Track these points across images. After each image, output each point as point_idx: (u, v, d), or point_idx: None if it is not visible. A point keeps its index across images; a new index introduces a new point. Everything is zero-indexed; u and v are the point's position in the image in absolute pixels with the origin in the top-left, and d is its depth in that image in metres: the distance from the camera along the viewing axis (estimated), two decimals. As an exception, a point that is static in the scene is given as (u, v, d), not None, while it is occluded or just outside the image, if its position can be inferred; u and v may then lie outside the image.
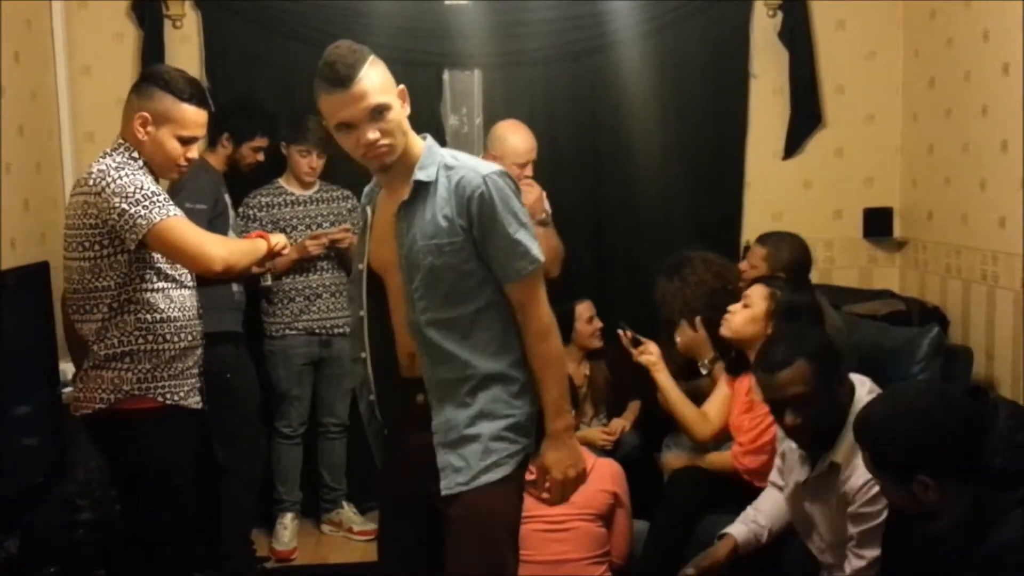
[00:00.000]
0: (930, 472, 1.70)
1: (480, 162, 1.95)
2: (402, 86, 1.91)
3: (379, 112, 1.83)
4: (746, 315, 2.70)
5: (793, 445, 2.30)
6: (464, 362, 1.88)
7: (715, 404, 2.82)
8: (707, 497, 2.68)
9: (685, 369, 3.11)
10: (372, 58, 1.85)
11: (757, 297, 2.70)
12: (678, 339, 3.04)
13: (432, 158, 1.91)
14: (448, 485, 1.86)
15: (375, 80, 1.82)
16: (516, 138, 3.24)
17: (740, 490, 2.63)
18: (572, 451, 1.94)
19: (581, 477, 1.96)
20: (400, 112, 1.88)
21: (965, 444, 1.73)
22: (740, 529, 2.46)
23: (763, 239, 3.26)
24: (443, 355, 1.88)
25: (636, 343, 2.95)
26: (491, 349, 1.90)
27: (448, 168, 1.89)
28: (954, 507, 1.68)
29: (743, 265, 3.24)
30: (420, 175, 1.88)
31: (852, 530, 2.11)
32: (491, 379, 1.89)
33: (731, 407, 2.79)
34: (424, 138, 1.96)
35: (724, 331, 2.74)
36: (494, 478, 1.87)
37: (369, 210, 2.00)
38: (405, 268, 1.88)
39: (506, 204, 1.86)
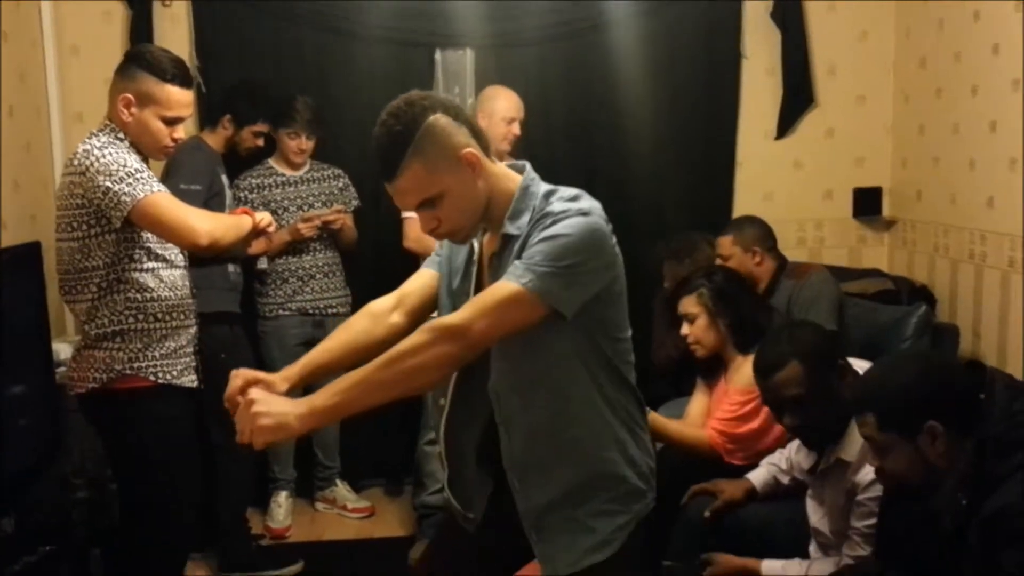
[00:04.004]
0: (938, 416, 1.71)
1: (576, 204, 1.61)
2: (468, 150, 1.58)
3: (429, 204, 1.59)
4: (698, 327, 2.71)
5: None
6: (555, 434, 1.64)
7: (700, 411, 2.79)
8: (690, 480, 2.69)
9: (686, 356, 3.11)
10: (419, 136, 1.54)
11: (690, 307, 2.72)
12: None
13: (526, 202, 1.63)
14: (553, 570, 1.66)
15: (419, 172, 1.55)
16: (502, 96, 3.35)
17: (723, 472, 2.64)
18: (286, 424, 1.50)
19: (260, 438, 1.51)
20: (462, 188, 1.59)
21: (965, 389, 1.74)
22: (759, 473, 2.45)
23: (724, 230, 3.32)
24: (520, 424, 1.65)
25: None
26: (595, 409, 1.65)
27: (540, 215, 1.60)
28: (956, 466, 1.69)
29: (718, 262, 3.26)
30: (510, 227, 1.62)
31: (857, 523, 2.11)
32: (581, 447, 1.65)
33: (711, 408, 2.77)
34: (523, 168, 1.69)
35: (700, 353, 2.74)
36: (601, 559, 1.65)
37: (476, 244, 1.72)
38: None
39: (554, 239, 1.54)
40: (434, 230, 1.63)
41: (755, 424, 2.59)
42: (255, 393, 1.54)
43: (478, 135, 1.63)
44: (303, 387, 1.71)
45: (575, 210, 1.58)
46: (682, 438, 2.65)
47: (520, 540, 1.71)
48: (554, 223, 1.56)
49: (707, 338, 2.72)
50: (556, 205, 1.60)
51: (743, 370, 2.63)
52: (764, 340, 2.33)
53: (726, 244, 3.25)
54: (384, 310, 1.79)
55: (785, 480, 2.45)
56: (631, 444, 1.70)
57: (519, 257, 1.58)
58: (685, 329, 2.74)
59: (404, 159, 1.55)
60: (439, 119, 1.57)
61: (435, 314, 1.83)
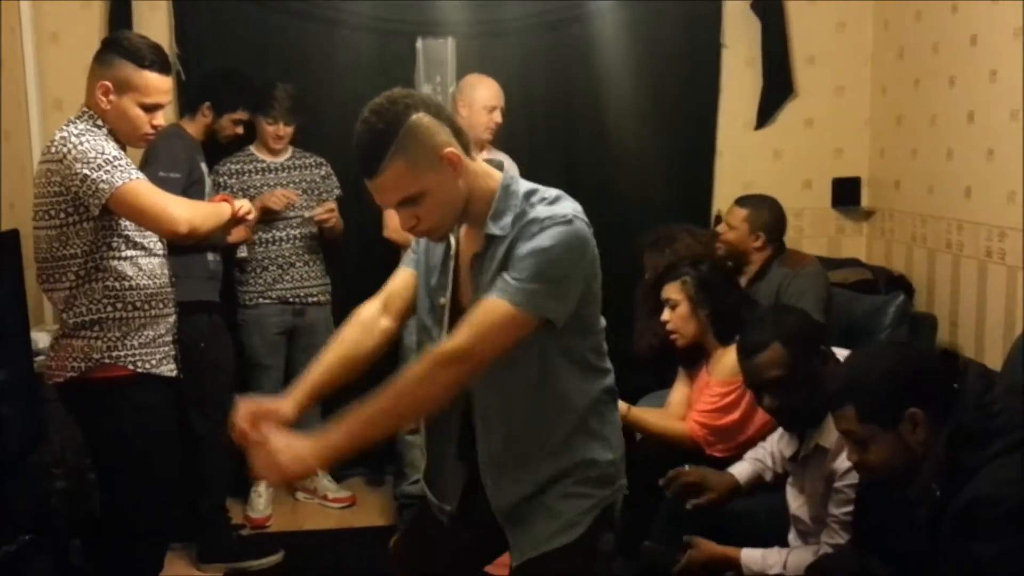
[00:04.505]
0: (917, 401, 1.72)
1: (559, 208, 1.62)
2: (450, 149, 1.57)
3: (409, 202, 1.59)
4: (679, 315, 2.73)
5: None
6: (535, 429, 1.68)
7: (680, 401, 2.81)
8: (671, 467, 2.70)
9: (666, 346, 3.13)
10: (401, 135, 1.53)
11: (673, 294, 2.73)
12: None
13: (507, 202, 1.63)
14: (517, 556, 1.70)
15: (401, 170, 1.55)
16: (483, 85, 3.36)
17: (710, 459, 2.65)
18: (302, 461, 1.55)
19: (278, 476, 1.59)
20: (443, 186, 1.58)
21: (942, 374, 1.76)
22: (743, 467, 2.47)
23: (742, 201, 3.31)
24: (498, 422, 1.69)
25: None
26: (571, 401, 1.69)
27: (524, 220, 1.61)
28: (932, 453, 1.71)
29: (721, 227, 3.28)
30: (493, 228, 1.62)
31: (835, 510, 2.13)
32: (557, 442, 1.69)
33: (692, 398, 2.79)
34: (501, 166, 1.70)
35: (680, 343, 2.75)
36: (566, 541, 1.68)
37: (453, 240, 1.72)
38: None
39: (543, 252, 1.56)
40: (413, 228, 1.63)
41: (736, 415, 2.61)
42: (269, 432, 1.57)
43: (459, 133, 1.63)
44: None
45: (559, 217, 1.59)
46: (662, 431, 2.67)
47: (493, 531, 1.74)
48: (540, 231, 1.58)
49: (687, 327, 2.73)
50: (540, 210, 1.62)
51: (724, 361, 2.64)
52: (749, 322, 2.34)
53: (737, 215, 3.25)
54: (372, 317, 1.82)
55: (768, 476, 2.47)
56: (602, 432, 1.74)
57: (505, 261, 1.60)
58: (666, 315, 2.75)
59: (386, 157, 1.54)
60: (422, 118, 1.56)
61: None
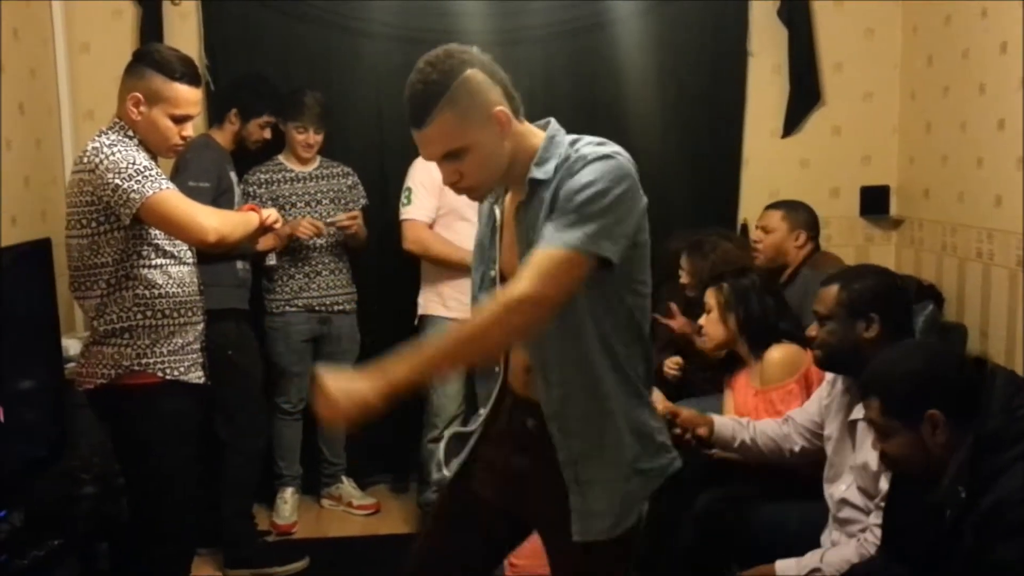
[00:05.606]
0: (939, 404, 1.74)
1: (603, 148, 1.64)
2: (500, 108, 1.60)
3: (454, 156, 1.60)
4: (710, 319, 2.75)
5: (839, 387, 2.34)
6: (591, 382, 1.67)
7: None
8: (703, 475, 2.69)
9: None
10: (454, 88, 1.55)
11: (711, 300, 2.76)
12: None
13: (553, 150, 1.65)
14: (585, 529, 1.67)
15: (450, 122, 1.56)
16: None
17: (739, 469, 2.64)
18: (364, 404, 1.49)
19: (340, 415, 1.51)
20: (489, 144, 1.60)
21: (968, 381, 1.77)
22: (722, 419, 2.50)
23: (776, 204, 3.35)
24: (567, 375, 1.67)
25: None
26: (619, 360, 1.68)
27: (568, 162, 1.62)
28: (955, 457, 1.72)
29: (756, 235, 3.27)
30: (536, 172, 1.63)
31: (886, 484, 2.11)
32: (622, 399, 1.68)
33: (735, 403, 2.78)
34: (548, 124, 1.71)
35: (708, 346, 2.77)
36: (633, 521, 1.71)
37: (498, 210, 1.76)
38: None
39: (587, 187, 1.56)
40: (455, 183, 1.64)
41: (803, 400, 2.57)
42: (325, 379, 1.51)
43: (511, 96, 1.65)
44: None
45: (602, 153, 1.60)
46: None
47: (504, 515, 1.79)
48: (583, 167, 1.58)
49: (715, 331, 2.75)
50: (584, 149, 1.62)
51: (769, 367, 2.64)
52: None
53: (773, 217, 3.27)
54: None
55: (741, 442, 2.46)
56: (647, 400, 1.76)
57: (552, 204, 1.59)
58: (702, 320, 2.79)
59: (437, 107, 1.56)
60: (476, 74, 1.59)
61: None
